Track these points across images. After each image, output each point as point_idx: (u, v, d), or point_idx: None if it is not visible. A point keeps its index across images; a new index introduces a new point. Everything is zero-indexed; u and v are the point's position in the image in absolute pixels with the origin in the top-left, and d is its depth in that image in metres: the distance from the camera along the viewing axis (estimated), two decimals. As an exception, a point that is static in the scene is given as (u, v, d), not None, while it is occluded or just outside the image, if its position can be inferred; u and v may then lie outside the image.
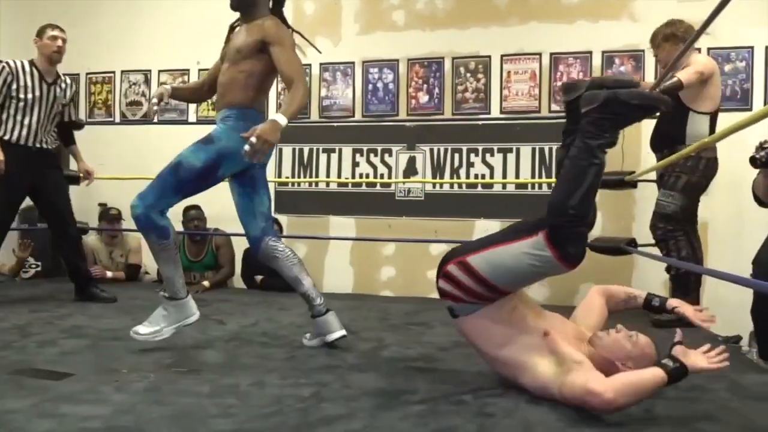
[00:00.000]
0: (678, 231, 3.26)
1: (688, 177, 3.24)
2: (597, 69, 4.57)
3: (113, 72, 5.55)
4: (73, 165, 4.81)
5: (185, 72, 5.37)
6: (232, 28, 2.68)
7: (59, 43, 3.62)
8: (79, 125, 4.78)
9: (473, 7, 4.79)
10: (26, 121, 3.55)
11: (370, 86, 4.99)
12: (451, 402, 1.85)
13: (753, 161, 2.61)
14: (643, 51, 4.37)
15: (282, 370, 2.21)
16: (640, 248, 3.75)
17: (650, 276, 4.36)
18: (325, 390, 1.95)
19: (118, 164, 5.09)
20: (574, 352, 1.83)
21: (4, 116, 3.55)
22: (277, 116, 2.31)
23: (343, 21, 5.05)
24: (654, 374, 1.66)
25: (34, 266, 4.98)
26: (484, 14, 4.77)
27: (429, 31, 4.90)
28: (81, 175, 3.98)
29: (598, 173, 1.90)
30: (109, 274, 4.61)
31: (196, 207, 4.62)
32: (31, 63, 3.61)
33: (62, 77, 3.76)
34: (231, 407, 1.77)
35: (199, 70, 5.38)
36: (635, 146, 4.36)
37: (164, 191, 2.40)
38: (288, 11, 4.75)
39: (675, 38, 3.25)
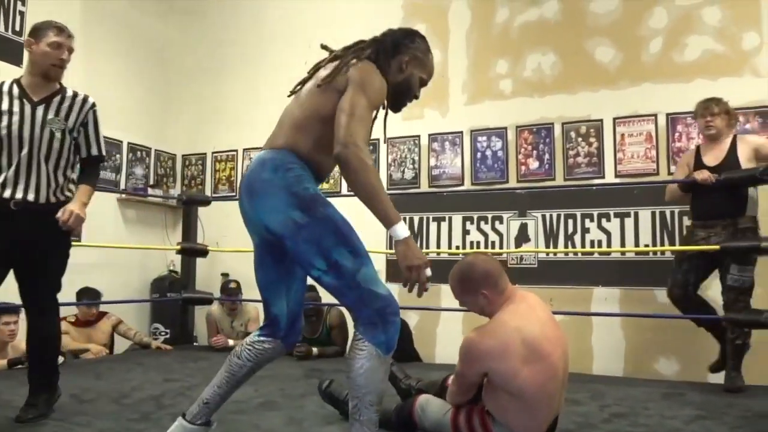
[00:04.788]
0: None
1: None
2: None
3: (236, 150, 5.96)
4: (200, 235, 5.15)
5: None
6: None
7: (64, 55, 2.51)
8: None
9: (582, 71, 4.77)
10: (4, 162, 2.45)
11: (479, 154, 5.03)
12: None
13: None
14: (770, 107, 4.15)
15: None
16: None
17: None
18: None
19: (239, 237, 5.37)
20: None
21: None
22: None
23: (450, 92, 5.17)
24: None
25: (163, 333, 5.30)
26: (593, 78, 4.73)
27: (537, 97, 4.90)
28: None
29: None
30: (230, 342, 4.80)
31: (313, 288, 4.74)
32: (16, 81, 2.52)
33: (68, 94, 2.57)
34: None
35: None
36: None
37: None
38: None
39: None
